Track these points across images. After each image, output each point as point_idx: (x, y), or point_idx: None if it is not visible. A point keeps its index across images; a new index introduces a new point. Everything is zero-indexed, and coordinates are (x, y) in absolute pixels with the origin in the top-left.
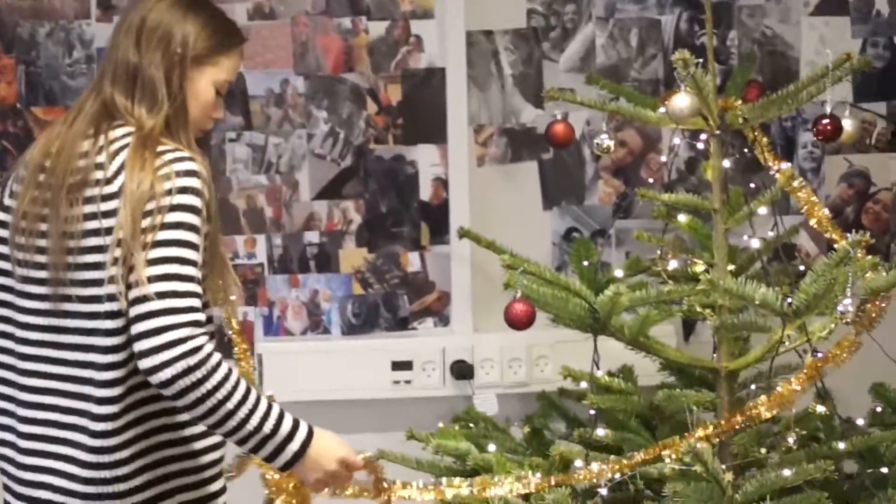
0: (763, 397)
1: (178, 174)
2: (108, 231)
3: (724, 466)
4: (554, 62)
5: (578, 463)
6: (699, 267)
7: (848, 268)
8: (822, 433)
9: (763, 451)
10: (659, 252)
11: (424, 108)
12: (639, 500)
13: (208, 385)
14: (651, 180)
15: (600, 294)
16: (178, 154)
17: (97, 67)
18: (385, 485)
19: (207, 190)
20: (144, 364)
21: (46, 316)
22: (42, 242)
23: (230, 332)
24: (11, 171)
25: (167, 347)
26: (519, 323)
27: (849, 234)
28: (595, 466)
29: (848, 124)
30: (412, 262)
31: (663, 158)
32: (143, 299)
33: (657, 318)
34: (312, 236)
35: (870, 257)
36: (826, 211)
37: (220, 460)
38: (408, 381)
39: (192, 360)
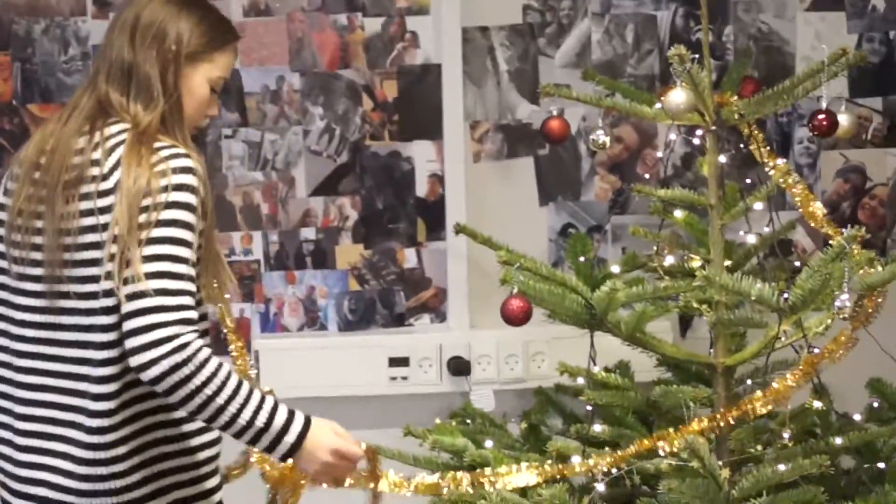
0: (759, 393)
1: (174, 171)
2: (105, 227)
3: (720, 462)
4: (550, 58)
5: (576, 459)
6: (695, 263)
7: (844, 263)
8: (819, 429)
9: (759, 447)
10: (655, 248)
11: (420, 105)
12: (635, 496)
13: (196, 381)
14: (647, 176)
15: (597, 290)
16: (174, 151)
17: (92, 65)
18: (379, 473)
19: (203, 187)
20: (133, 361)
21: (43, 313)
22: (38, 240)
23: (226, 329)
24: (6, 169)
25: (155, 345)
26: (515, 319)
27: (844, 230)
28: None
29: (844, 119)
30: (408, 258)
31: (659, 154)
32: (135, 296)
33: (654, 314)
34: (309, 233)
35: (866, 252)
36: (821, 206)
37: (215, 457)
38: (404, 378)
39: (178, 358)
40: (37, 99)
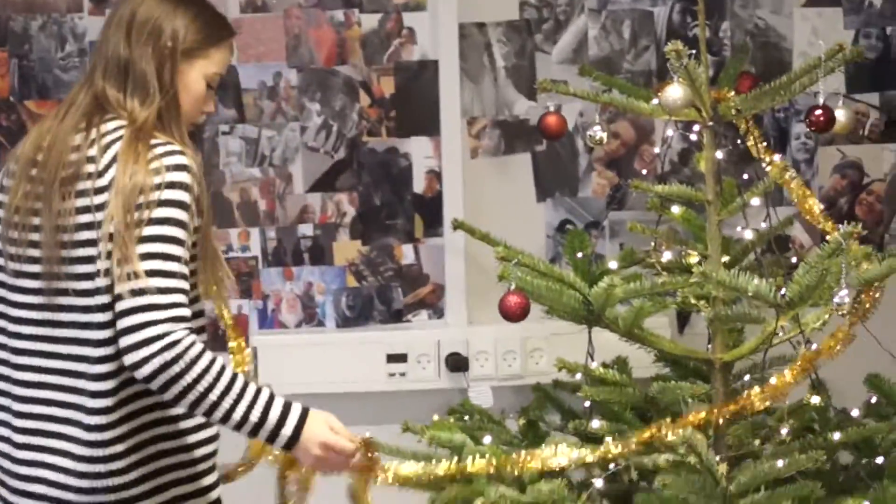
0: (756, 388)
1: (168, 168)
2: (101, 224)
3: (718, 458)
4: (546, 54)
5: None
6: (693, 258)
7: (841, 259)
8: (817, 424)
9: (757, 442)
10: (653, 244)
11: (417, 101)
12: (633, 491)
13: (188, 378)
14: (644, 172)
15: (594, 286)
16: (168, 148)
17: (89, 61)
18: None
19: (197, 184)
20: (127, 360)
21: (40, 310)
22: (35, 237)
23: (224, 327)
24: (2, 166)
25: (146, 344)
26: (513, 315)
27: (841, 226)
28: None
29: (841, 115)
30: (406, 254)
31: (656, 150)
32: (128, 294)
33: (651, 310)
34: (306, 229)
35: (863, 248)
36: (818, 202)
37: (213, 454)
38: (402, 374)
39: (168, 355)
40: (34, 95)
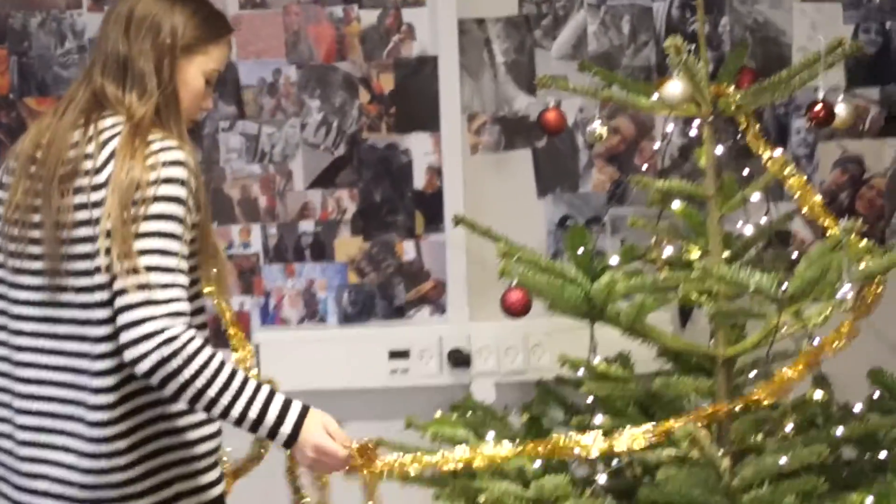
0: (762, 384)
1: (165, 164)
2: (98, 221)
3: (721, 452)
4: (546, 50)
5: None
6: (694, 254)
7: (842, 253)
8: (820, 419)
9: (760, 437)
10: (654, 239)
11: (417, 97)
12: (636, 486)
13: (186, 374)
14: (645, 167)
15: (596, 281)
16: (165, 143)
17: (87, 58)
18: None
19: (194, 179)
20: (126, 356)
21: (41, 307)
22: (35, 233)
23: (225, 323)
24: (2, 163)
25: (144, 339)
26: (515, 311)
27: (843, 220)
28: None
29: (841, 110)
30: (407, 250)
31: (657, 145)
32: (126, 291)
33: (653, 306)
34: (307, 225)
35: (864, 242)
36: (819, 197)
37: (215, 450)
38: (405, 370)
39: (166, 351)
40: (34, 92)
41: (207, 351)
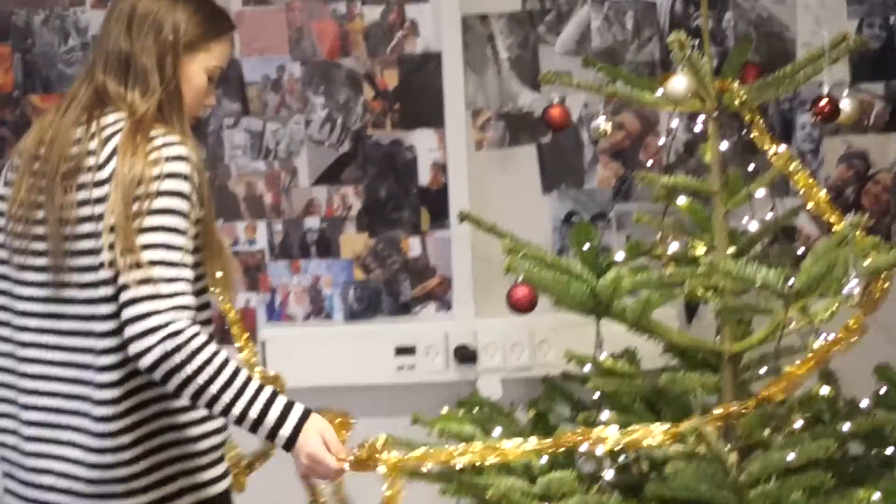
0: (772, 381)
1: (167, 159)
2: (101, 217)
3: (728, 447)
4: (550, 45)
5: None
6: (699, 250)
7: (848, 248)
8: (827, 415)
9: (767, 432)
10: (659, 235)
11: (421, 93)
12: (643, 482)
13: (188, 370)
14: (650, 163)
15: (602, 277)
16: (168, 139)
17: (90, 55)
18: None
19: (198, 175)
20: (131, 350)
21: (45, 303)
22: (39, 230)
23: (229, 322)
24: (6, 161)
25: (148, 333)
26: (521, 307)
27: (849, 215)
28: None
29: (846, 105)
30: (413, 246)
31: (661, 141)
32: (130, 285)
33: (659, 302)
34: (313, 222)
35: (870, 237)
36: (824, 193)
37: (220, 445)
38: (411, 367)
39: (169, 345)
40: (38, 90)
41: (211, 347)
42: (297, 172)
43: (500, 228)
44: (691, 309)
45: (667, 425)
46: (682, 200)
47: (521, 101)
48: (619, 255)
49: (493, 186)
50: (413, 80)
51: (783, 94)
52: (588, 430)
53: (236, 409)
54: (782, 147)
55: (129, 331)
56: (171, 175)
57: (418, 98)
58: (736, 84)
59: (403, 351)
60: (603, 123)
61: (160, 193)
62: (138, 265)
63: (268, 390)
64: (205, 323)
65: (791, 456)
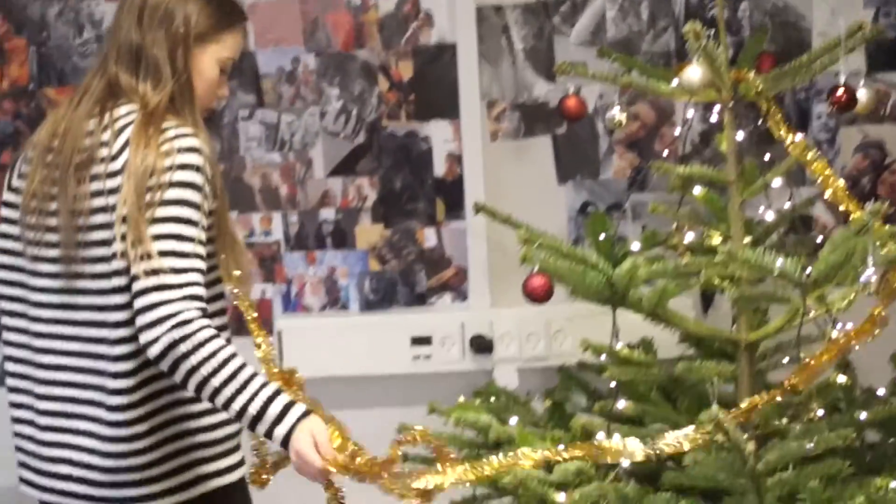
0: (795, 370)
1: (179, 150)
2: (114, 208)
3: (745, 436)
4: (565, 36)
5: (600, 435)
6: (715, 239)
7: (867, 237)
8: (843, 403)
9: (785, 421)
10: (675, 225)
11: (436, 84)
12: (660, 470)
13: (193, 360)
14: (665, 153)
15: (618, 267)
16: (180, 131)
17: (102, 48)
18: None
19: (210, 166)
20: (140, 340)
21: (59, 293)
22: (52, 221)
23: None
24: (20, 153)
25: (157, 323)
26: (538, 296)
27: (868, 204)
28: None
29: (863, 94)
30: (428, 237)
31: (677, 131)
32: (142, 275)
33: (675, 291)
34: (328, 213)
35: (888, 227)
36: (842, 182)
37: (235, 434)
38: (427, 357)
39: (176, 335)
40: (53, 82)
41: (219, 341)
42: (312, 164)
43: (515, 219)
44: (707, 298)
45: (690, 428)
46: (697, 190)
47: (537, 92)
48: (635, 245)
49: (509, 177)
50: (428, 72)
51: (799, 84)
52: (611, 447)
53: (237, 404)
54: (799, 136)
55: (139, 320)
56: (183, 166)
57: (433, 89)
58: (752, 74)
59: (419, 341)
60: (618, 114)
61: (172, 184)
62: (149, 256)
63: (270, 388)
64: (219, 313)
65: (809, 445)
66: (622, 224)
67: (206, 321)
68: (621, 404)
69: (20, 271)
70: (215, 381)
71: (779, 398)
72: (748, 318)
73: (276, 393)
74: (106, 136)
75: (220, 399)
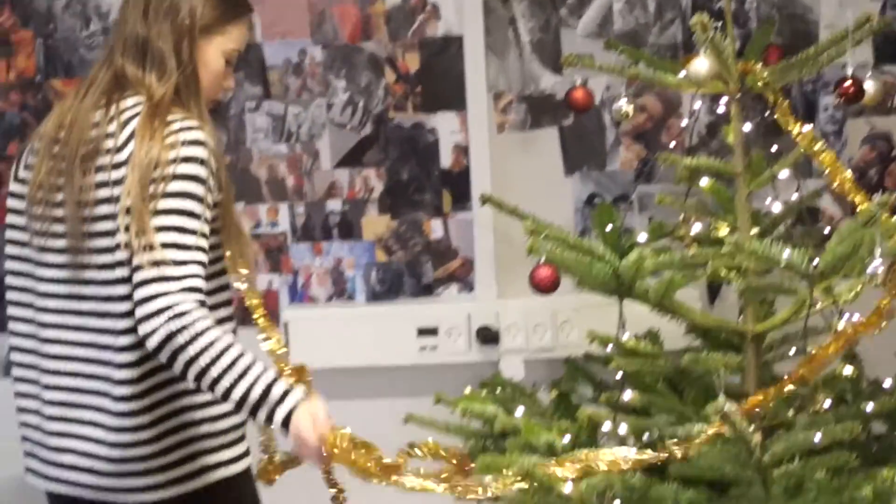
0: (801, 361)
1: (184, 143)
2: (118, 199)
3: (752, 427)
4: (572, 28)
5: (606, 426)
6: (722, 231)
7: (874, 228)
8: (850, 395)
9: (791, 412)
10: (682, 216)
11: (443, 76)
12: (667, 462)
13: (190, 351)
14: (672, 145)
15: (624, 258)
16: (185, 123)
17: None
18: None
19: (214, 159)
20: (140, 331)
21: (66, 284)
22: (59, 212)
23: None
24: (26, 144)
25: (155, 315)
26: (544, 287)
27: (875, 196)
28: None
29: (870, 86)
30: (434, 228)
31: (684, 123)
32: (143, 266)
33: (682, 282)
34: (335, 204)
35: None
36: (849, 173)
37: (240, 425)
38: (434, 347)
39: (173, 326)
40: (60, 74)
41: (215, 331)
42: (318, 155)
43: (522, 210)
44: (714, 290)
45: (699, 426)
46: (704, 182)
47: (543, 84)
48: (642, 237)
49: (515, 169)
50: (435, 63)
51: (806, 76)
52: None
53: (236, 393)
54: (806, 127)
55: (138, 311)
56: (187, 159)
57: (440, 81)
58: (759, 66)
59: (426, 332)
60: (625, 106)
61: (176, 177)
62: (151, 247)
63: (270, 374)
64: (224, 304)
65: (815, 437)
66: (629, 215)
67: (203, 311)
68: (627, 395)
69: (27, 262)
70: (213, 371)
71: (789, 387)
72: (755, 310)
73: (276, 378)
74: (112, 127)
75: (220, 388)
